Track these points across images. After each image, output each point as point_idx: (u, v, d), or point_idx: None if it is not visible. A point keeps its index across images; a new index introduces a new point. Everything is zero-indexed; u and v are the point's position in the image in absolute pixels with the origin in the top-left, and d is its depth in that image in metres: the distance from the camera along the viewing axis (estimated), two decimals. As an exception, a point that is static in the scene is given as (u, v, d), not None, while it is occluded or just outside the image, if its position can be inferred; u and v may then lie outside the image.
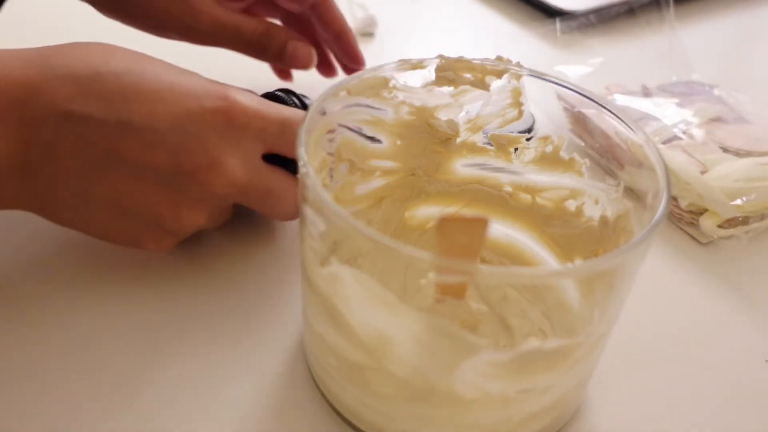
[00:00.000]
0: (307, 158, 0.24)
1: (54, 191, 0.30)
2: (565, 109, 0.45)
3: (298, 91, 0.38)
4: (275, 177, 0.32)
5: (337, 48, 0.44)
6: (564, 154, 0.32)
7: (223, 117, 0.30)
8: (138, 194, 0.30)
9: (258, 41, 0.41)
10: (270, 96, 0.37)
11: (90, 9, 0.42)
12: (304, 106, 0.37)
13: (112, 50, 0.31)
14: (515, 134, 0.33)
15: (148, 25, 0.42)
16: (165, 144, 0.29)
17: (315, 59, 0.43)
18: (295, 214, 0.34)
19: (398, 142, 0.34)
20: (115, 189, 0.30)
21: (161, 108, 0.29)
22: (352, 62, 0.45)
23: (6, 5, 0.57)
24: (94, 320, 0.32)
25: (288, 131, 0.32)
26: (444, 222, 0.24)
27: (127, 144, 0.29)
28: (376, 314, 0.23)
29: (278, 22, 0.45)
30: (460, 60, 0.31)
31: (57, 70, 0.29)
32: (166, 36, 0.42)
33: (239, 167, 0.30)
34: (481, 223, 0.24)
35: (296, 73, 0.48)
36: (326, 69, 0.48)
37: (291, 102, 0.37)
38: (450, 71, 0.31)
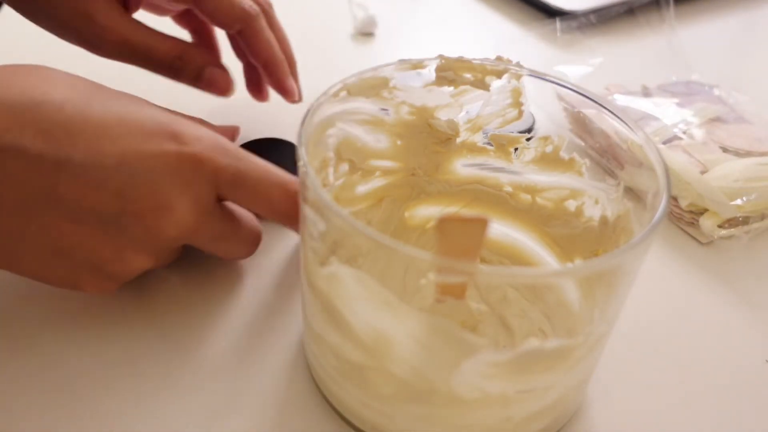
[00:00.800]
0: (307, 158, 0.24)
1: None
2: (565, 109, 0.45)
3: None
4: (227, 220, 0.31)
5: (266, 77, 0.41)
6: (564, 154, 0.32)
7: (174, 159, 0.28)
8: (76, 236, 0.27)
9: (171, 64, 0.38)
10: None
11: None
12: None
13: (54, 76, 0.28)
14: (515, 134, 0.33)
15: (58, 34, 0.37)
16: (109, 184, 0.27)
17: (234, 87, 0.40)
18: (246, 254, 0.33)
19: (398, 142, 0.34)
20: (51, 230, 0.27)
21: (108, 145, 0.27)
22: (282, 94, 0.41)
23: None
24: (89, 328, 0.32)
25: (240, 185, 0.30)
26: (444, 222, 0.24)
27: (67, 183, 0.26)
28: (376, 314, 0.23)
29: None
30: (460, 60, 0.31)
31: None
32: (78, 45, 0.37)
33: (189, 211, 0.28)
34: (481, 223, 0.24)
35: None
36: (257, 92, 0.44)
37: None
38: (450, 71, 0.31)
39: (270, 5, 0.41)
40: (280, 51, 0.40)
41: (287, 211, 0.31)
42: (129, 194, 0.27)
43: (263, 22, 0.39)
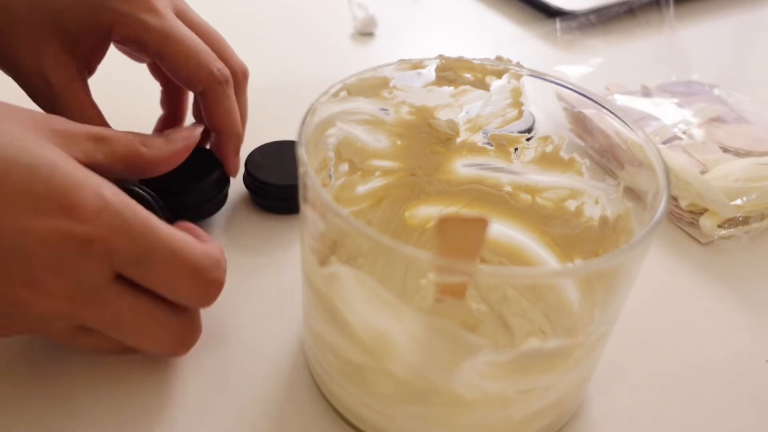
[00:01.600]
0: (307, 158, 0.24)
1: None
2: (565, 109, 0.45)
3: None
4: (126, 305, 0.26)
5: (215, 144, 0.38)
6: (564, 154, 0.32)
7: (56, 239, 0.24)
8: None
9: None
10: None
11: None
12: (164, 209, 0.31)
13: None
14: (515, 134, 0.33)
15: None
16: None
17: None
18: (179, 349, 0.29)
19: (398, 142, 0.34)
20: None
21: None
22: (225, 166, 0.37)
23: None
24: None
25: (142, 269, 0.25)
26: (444, 222, 0.24)
27: None
28: (376, 314, 0.23)
29: None
30: (460, 60, 0.31)
31: None
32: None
33: (63, 295, 0.25)
34: (481, 223, 0.24)
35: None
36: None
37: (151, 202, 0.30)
38: (450, 71, 0.31)
39: (245, 75, 0.38)
40: (239, 124, 0.37)
41: (198, 299, 0.27)
42: None
43: (228, 90, 0.36)
